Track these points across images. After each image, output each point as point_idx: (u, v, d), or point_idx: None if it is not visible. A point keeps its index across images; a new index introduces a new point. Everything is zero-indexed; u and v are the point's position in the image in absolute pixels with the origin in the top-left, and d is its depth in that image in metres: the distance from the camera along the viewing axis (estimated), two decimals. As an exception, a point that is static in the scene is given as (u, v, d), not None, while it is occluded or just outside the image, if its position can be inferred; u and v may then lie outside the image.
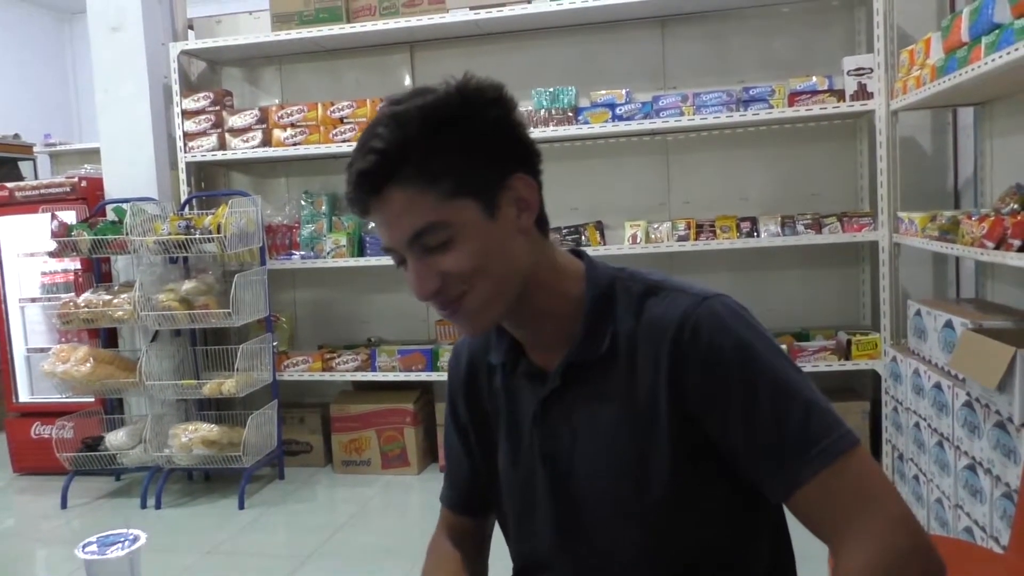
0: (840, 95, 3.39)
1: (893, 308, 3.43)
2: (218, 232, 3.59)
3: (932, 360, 2.85)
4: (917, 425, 2.94)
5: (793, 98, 3.44)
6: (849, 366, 3.47)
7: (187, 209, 4.03)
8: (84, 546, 1.03)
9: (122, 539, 1.04)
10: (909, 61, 3.07)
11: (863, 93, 3.36)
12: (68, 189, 4.14)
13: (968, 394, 2.42)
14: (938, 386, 2.69)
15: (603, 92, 3.65)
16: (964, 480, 2.49)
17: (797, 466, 0.88)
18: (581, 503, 1.02)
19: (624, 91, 3.63)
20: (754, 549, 1.02)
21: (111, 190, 4.06)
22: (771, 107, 3.46)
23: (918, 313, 3.00)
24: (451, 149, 0.91)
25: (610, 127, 3.61)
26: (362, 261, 3.98)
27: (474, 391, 1.13)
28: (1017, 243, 2.25)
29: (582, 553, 1.03)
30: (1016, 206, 2.58)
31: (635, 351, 0.97)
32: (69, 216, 3.95)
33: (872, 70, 3.35)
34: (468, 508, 1.18)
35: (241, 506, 3.63)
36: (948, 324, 2.69)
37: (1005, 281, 3.09)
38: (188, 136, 4.07)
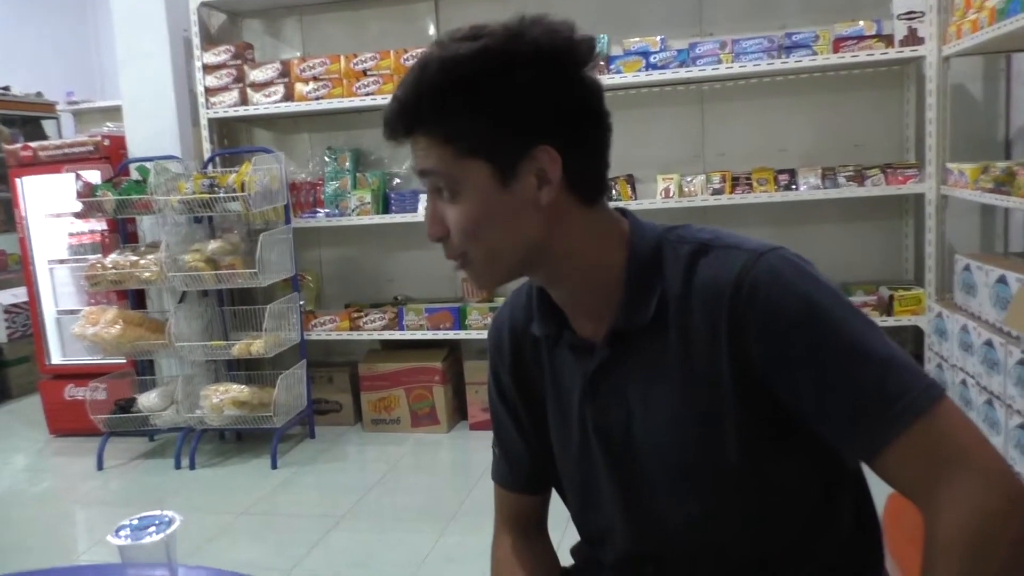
0: (888, 40, 3.23)
1: (939, 263, 3.31)
2: (242, 190, 3.53)
3: (982, 316, 2.75)
4: (964, 383, 2.85)
5: (838, 44, 3.27)
6: (891, 322, 3.36)
7: (210, 167, 3.97)
8: (118, 530, 0.99)
9: (157, 521, 1.00)
10: (965, 3, 2.91)
11: (913, 38, 3.20)
12: (91, 148, 4.08)
13: (1023, 352, 2.33)
14: (989, 343, 2.60)
15: (636, 40, 3.51)
16: (1016, 439, 2.41)
17: (877, 429, 0.82)
18: (643, 478, 0.97)
19: (659, 38, 3.48)
20: (835, 517, 0.96)
21: (134, 148, 4.00)
22: (815, 54, 3.30)
23: (967, 268, 2.88)
24: (465, 112, 0.87)
25: (643, 76, 3.48)
26: (387, 218, 3.91)
27: (520, 365, 1.07)
28: (1081, 195, 2.14)
29: (656, 525, 0.98)
30: (1077, 155, 2.45)
31: (688, 317, 0.90)
32: (93, 176, 3.91)
33: (924, 13, 3.17)
34: (528, 486, 1.14)
35: (274, 465, 3.63)
36: (1001, 279, 2.58)
37: (1059, 234, 2.96)
38: (209, 91, 3.99)
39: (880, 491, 1.02)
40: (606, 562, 1.08)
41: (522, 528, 1.14)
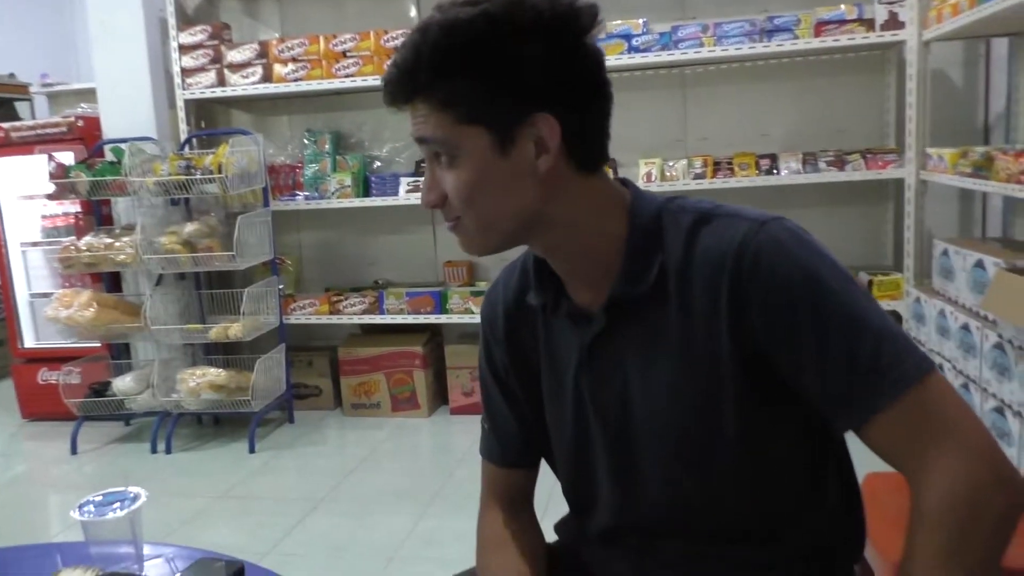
0: (870, 24, 3.22)
1: (917, 248, 3.33)
2: (219, 172, 3.48)
3: (959, 301, 2.76)
4: (940, 367, 2.86)
5: (820, 28, 3.27)
6: (870, 307, 3.37)
7: (187, 149, 3.91)
8: (81, 506, 0.96)
9: (121, 498, 0.97)
10: (945, -14, 2.91)
11: (894, 22, 3.19)
12: (65, 129, 4.01)
13: (999, 335, 2.34)
14: (966, 327, 2.61)
15: (618, 22, 3.48)
16: (991, 422, 2.42)
17: (870, 397, 0.83)
18: (638, 450, 0.97)
19: (641, 21, 3.46)
20: (820, 491, 0.97)
21: (109, 130, 3.93)
22: (796, 37, 3.29)
23: (945, 253, 2.90)
24: (465, 76, 0.86)
25: (625, 59, 3.46)
26: (367, 201, 3.87)
27: (514, 337, 1.06)
28: (1058, 179, 2.14)
29: (645, 495, 0.98)
30: (1055, 140, 2.46)
31: (688, 285, 0.90)
32: (67, 157, 3.84)
33: (905, -3, 3.17)
34: (517, 460, 1.13)
35: (252, 450, 3.60)
36: (979, 264, 2.60)
37: (1036, 219, 2.98)
38: (186, 72, 3.93)
39: (856, 470, 1.02)
40: (591, 534, 1.07)
41: (509, 503, 1.13)
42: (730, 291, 0.87)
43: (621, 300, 0.93)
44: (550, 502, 1.15)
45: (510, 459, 1.13)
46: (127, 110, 3.89)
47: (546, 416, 1.06)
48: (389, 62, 0.90)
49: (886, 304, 3.37)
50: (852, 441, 0.99)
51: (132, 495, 0.98)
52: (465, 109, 0.86)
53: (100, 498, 0.98)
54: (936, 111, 3.30)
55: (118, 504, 0.97)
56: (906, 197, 3.32)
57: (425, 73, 0.86)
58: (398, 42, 3.62)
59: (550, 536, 1.16)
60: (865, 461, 1.10)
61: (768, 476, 0.94)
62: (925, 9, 3.13)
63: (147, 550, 1.01)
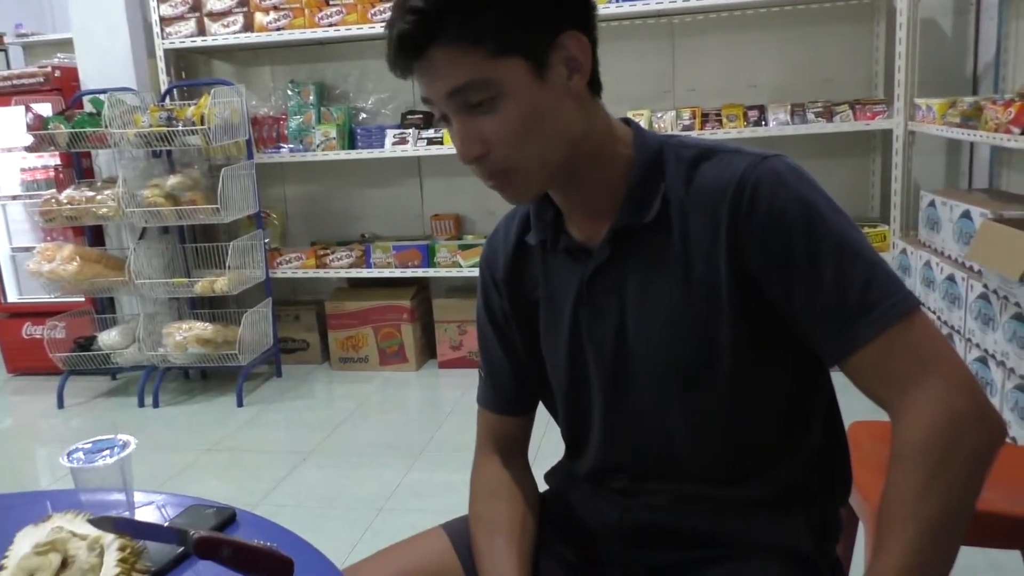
0: (860, -29, 3.18)
1: (904, 199, 3.33)
2: (201, 123, 3.42)
3: (945, 252, 2.78)
4: (925, 318, 2.89)
5: (810, -25, 3.22)
6: (856, 259, 3.38)
7: (167, 100, 3.84)
8: (70, 453, 0.96)
9: (111, 445, 0.97)
10: (937, -68, 2.86)
11: (885, -31, 3.15)
12: (41, 80, 3.93)
13: (985, 286, 2.36)
14: (951, 278, 2.63)
15: (606, -30, 3.42)
16: (975, 372, 2.45)
17: (858, 327, 0.84)
18: (631, 385, 0.98)
19: (629, -31, 3.41)
20: (807, 432, 0.99)
21: (87, 80, 3.85)
22: (786, -16, 3.25)
23: (932, 204, 2.90)
24: (495, 5, 0.84)
25: (612, 8, 3.40)
26: (353, 154, 3.82)
27: (516, 280, 1.06)
28: (1046, 128, 2.14)
29: (634, 433, 1.00)
30: (1044, 90, 2.45)
31: (689, 218, 0.91)
32: (44, 108, 3.77)
33: (896, -57, 3.13)
34: (513, 408, 1.14)
35: (240, 403, 3.61)
36: (965, 215, 2.61)
37: (1021, 170, 2.98)
38: (165, 21, 3.84)
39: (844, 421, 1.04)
40: (580, 476, 1.09)
41: (504, 451, 1.14)
42: (730, 219, 0.88)
43: (625, 230, 0.94)
44: (538, 452, 1.16)
45: (505, 407, 1.14)
46: (105, 60, 3.81)
47: (544, 355, 1.06)
48: (398, 11, 0.85)
49: (872, 256, 3.38)
50: (839, 391, 1.01)
51: (122, 442, 0.97)
52: (497, 41, 0.84)
53: (89, 446, 0.98)
54: (925, 61, 3.28)
55: (108, 451, 0.96)
56: (894, 148, 3.31)
57: (455, 8, 0.83)
58: (382, -11, 3.57)
59: (542, 485, 1.17)
60: (850, 411, 1.12)
61: (755, 415, 0.95)
62: (917, -44, 3.09)
63: (138, 497, 1.01)
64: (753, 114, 3.46)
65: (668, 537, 1.00)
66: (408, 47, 0.85)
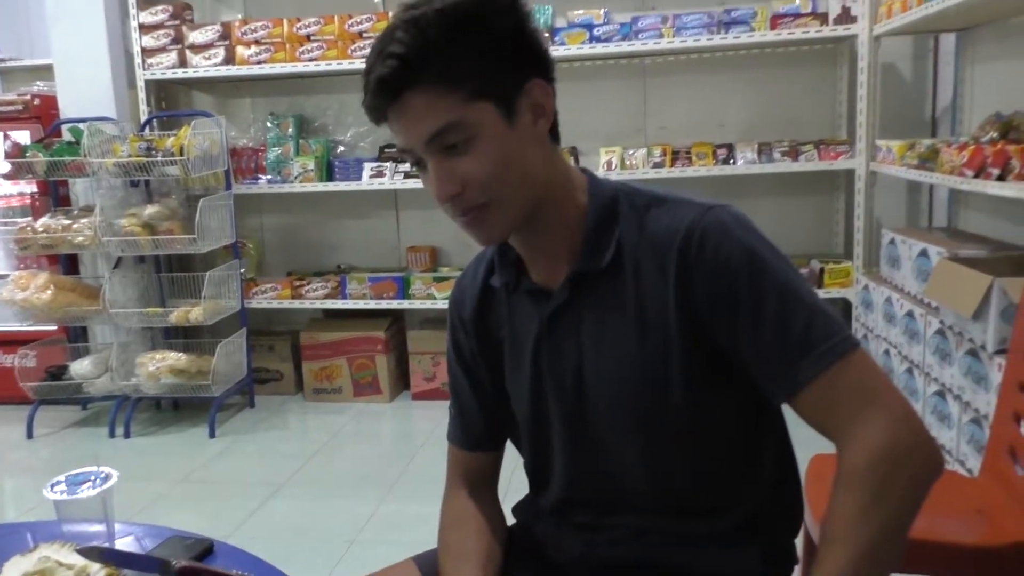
0: (823, 18, 3.31)
1: (866, 237, 3.44)
2: (180, 154, 3.46)
3: (905, 288, 2.87)
4: (887, 352, 2.97)
5: (776, 21, 3.35)
6: (821, 294, 3.48)
7: (147, 130, 3.87)
8: (53, 485, 0.99)
9: (92, 477, 1.00)
10: (896, -17, 2.99)
11: (846, 17, 3.29)
12: (20, 107, 3.95)
13: (941, 322, 2.44)
14: (910, 314, 2.72)
15: (580, 12, 3.53)
16: (932, 406, 2.53)
17: (801, 367, 0.90)
18: (591, 420, 1.02)
19: (602, 11, 3.51)
20: (760, 463, 1.03)
21: (66, 109, 3.87)
22: (753, 30, 3.37)
23: (892, 242, 3.00)
24: (470, 52, 0.89)
25: (587, 49, 3.50)
26: (331, 186, 3.87)
27: (481, 319, 1.11)
28: (996, 172, 2.24)
29: (591, 469, 1.04)
30: (996, 135, 2.56)
31: (640, 262, 0.97)
32: (23, 136, 3.78)
33: (857, -8, 3.27)
34: (481, 444, 1.18)
35: (212, 434, 3.60)
36: (923, 253, 2.70)
37: (978, 210, 3.09)
38: (146, 52, 3.88)
39: (803, 454, 1.09)
40: (545, 510, 1.12)
41: (473, 486, 1.17)
42: (678, 266, 0.94)
43: (583, 273, 0.99)
44: (508, 486, 1.20)
45: (473, 443, 1.17)
46: (85, 89, 3.83)
47: (509, 392, 1.11)
48: (376, 57, 0.89)
49: (837, 291, 3.48)
50: (795, 423, 1.06)
51: (103, 474, 1.00)
52: (473, 84, 0.89)
53: (71, 477, 1.01)
54: (886, 104, 3.41)
55: (89, 483, 0.99)
56: (856, 187, 3.42)
57: (434, 53, 0.87)
58: (363, 27, 3.65)
59: (510, 519, 1.21)
60: (810, 443, 1.17)
61: (710, 450, 1.00)
62: (876, 4, 3.22)
63: (117, 528, 1.04)
64: (722, 152, 3.56)
65: (630, 570, 1.04)
66: (387, 91, 0.89)
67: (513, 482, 1.20)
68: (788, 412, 1.06)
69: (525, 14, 0.94)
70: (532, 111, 0.94)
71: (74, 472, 1.02)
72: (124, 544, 1.04)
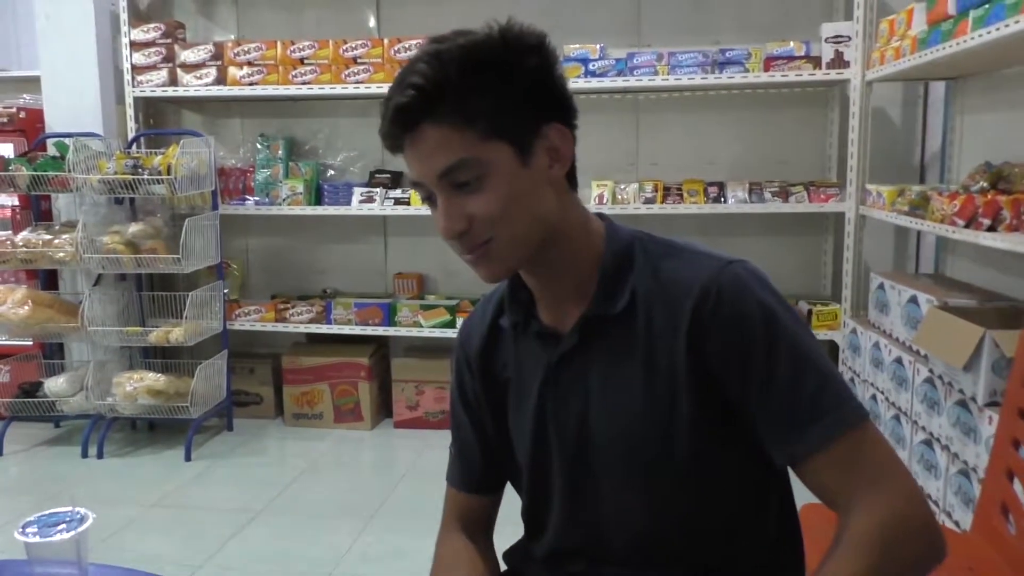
0: (816, 62, 3.34)
1: (855, 280, 3.44)
2: (168, 173, 3.42)
3: (893, 334, 2.87)
4: (874, 397, 2.97)
5: (769, 63, 3.37)
6: (808, 336, 3.47)
7: (135, 147, 3.83)
8: (24, 526, 0.94)
9: (67, 518, 0.96)
10: (889, 31, 3.03)
11: (839, 61, 3.32)
12: (5, 120, 3.90)
13: (931, 371, 2.44)
14: (899, 360, 2.71)
15: (576, 46, 3.54)
16: (920, 455, 2.52)
17: (810, 433, 0.88)
18: (591, 470, 1.00)
19: (598, 46, 3.52)
20: (762, 520, 1.01)
21: (52, 123, 3.83)
22: (747, 71, 3.39)
23: (881, 287, 3.01)
24: (490, 91, 0.90)
25: (582, 83, 3.51)
26: (319, 210, 3.84)
27: (489, 360, 1.10)
28: (987, 222, 2.25)
29: (587, 519, 1.02)
30: (986, 184, 2.57)
31: (653, 310, 0.95)
32: (6, 149, 3.73)
33: (851, 38, 3.30)
34: (480, 487, 1.16)
35: (188, 458, 3.53)
36: (912, 300, 2.70)
37: (965, 257, 3.11)
38: (136, 69, 3.85)
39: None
40: (538, 558, 1.10)
41: (469, 528, 1.15)
42: (692, 318, 0.92)
43: (595, 318, 0.98)
44: (500, 531, 1.17)
45: (471, 485, 1.15)
46: (73, 104, 3.80)
47: (511, 435, 1.09)
48: (397, 86, 0.89)
49: (824, 334, 3.48)
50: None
51: (79, 515, 0.96)
52: (487, 124, 0.89)
53: (42, 518, 0.96)
54: (876, 148, 3.43)
55: (63, 525, 0.95)
56: (846, 231, 3.44)
57: (454, 88, 0.88)
58: (358, 52, 3.65)
59: (502, 564, 1.18)
60: (801, 493, 1.15)
61: (712, 502, 0.98)
62: (869, 51, 3.26)
63: (91, 571, 0.99)
64: (713, 190, 3.56)
65: None
66: (404, 120, 0.89)
67: (503, 526, 1.17)
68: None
69: (551, 59, 0.94)
70: (548, 154, 0.94)
71: (48, 512, 0.97)
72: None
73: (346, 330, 3.87)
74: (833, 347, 3.52)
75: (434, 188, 0.92)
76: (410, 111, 0.88)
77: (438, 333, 3.77)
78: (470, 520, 1.16)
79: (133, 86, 3.86)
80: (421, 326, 3.79)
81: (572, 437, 1.01)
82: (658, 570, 1.00)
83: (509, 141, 0.90)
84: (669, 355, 0.94)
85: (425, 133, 0.89)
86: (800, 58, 3.36)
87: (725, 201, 3.54)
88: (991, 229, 2.22)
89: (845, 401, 0.89)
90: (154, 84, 3.85)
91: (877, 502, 0.85)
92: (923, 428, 2.49)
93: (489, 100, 0.89)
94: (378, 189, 3.79)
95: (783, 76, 3.37)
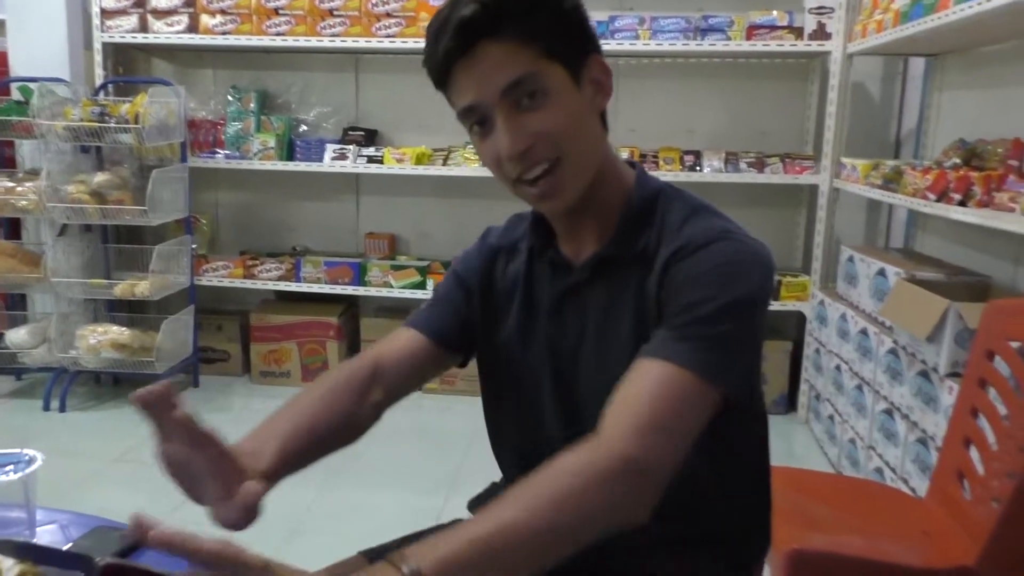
0: (799, 33, 3.32)
1: (825, 252, 3.47)
2: (136, 122, 3.33)
3: (860, 306, 2.89)
4: (838, 368, 3.00)
5: (751, 31, 3.35)
6: (777, 307, 3.51)
7: (102, 95, 3.73)
8: (-29, 467, 0.92)
9: (15, 460, 0.93)
10: (872, 4, 3.02)
11: (822, 33, 3.30)
12: (-34, 62, 3.78)
13: (895, 342, 2.47)
14: (864, 332, 2.74)
15: (557, 7, 3.48)
16: (880, 423, 2.56)
17: (654, 347, 0.87)
18: (583, 399, 1.01)
19: (579, 8, 3.47)
20: (736, 471, 1.03)
21: (16, 67, 3.71)
22: (728, 39, 3.37)
23: (851, 259, 3.03)
24: (547, 14, 0.91)
25: (561, 45, 3.46)
26: (291, 165, 3.78)
27: (491, 269, 1.11)
28: (958, 197, 2.26)
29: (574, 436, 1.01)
30: (959, 160, 2.59)
31: (658, 262, 0.95)
32: (-33, 92, 3.62)
33: (834, 10, 3.28)
34: (436, 334, 1.08)
35: (152, 412, 3.48)
36: (881, 272, 2.72)
37: (936, 233, 3.14)
38: (106, 14, 3.74)
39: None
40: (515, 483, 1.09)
41: (381, 373, 1.04)
42: (668, 258, 0.93)
43: (607, 258, 0.99)
44: (456, 479, 1.16)
45: (427, 329, 1.08)
46: (38, 48, 3.68)
47: (503, 354, 1.08)
48: (455, 6, 0.88)
49: (792, 305, 3.50)
50: (775, 436, 1.04)
51: (28, 458, 0.93)
52: (545, 45, 0.89)
53: (-8, 459, 0.94)
54: (852, 122, 3.44)
55: (11, 467, 0.92)
56: (819, 203, 3.45)
57: (515, 5, 0.88)
58: (334, 4, 3.56)
59: (465, 514, 1.17)
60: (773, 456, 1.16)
61: (689, 453, 0.97)
62: (851, 23, 3.24)
63: (40, 516, 0.97)
64: (689, 159, 3.55)
65: (598, 567, 1.02)
66: (467, 34, 0.87)
67: (461, 475, 1.16)
68: (772, 430, 1.04)
69: None
70: (593, 85, 0.95)
71: (-4, 453, 0.95)
72: (47, 533, 0.98)
73: (315, 288, 3.83)
74: (801, 318, 3.55)
75: (494, 107, 0.90)
76: (474, 25, 0.87)
77: (408, 294, 3.75)
78: (395, 364, 1.05)
79: (102, 31, 3.74)
80: (391, 287, 3.76)
81: (564, 370, 1.02)
82: None
83: (564, 64, 0.91)
84: (649, 296, 0.95)
85: (486, 50, 0.88)
86: (782, 28, 3.34)
87: (701, 170, 3.53)
88: (962, 204, 2.23)
89: (707, 352, 0.86)
90: (124, 30, 3.74)
91: (624, 443, 0.80)
92: (884, 398, 2.52)
93: (547, 22, 0.90)
94: (351, 146, 3.74)
95: (765, 46, 3.35)
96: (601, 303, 1.00)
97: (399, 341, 1.08)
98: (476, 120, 0.93)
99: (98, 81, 3.77)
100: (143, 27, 3.72)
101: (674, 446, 0.83)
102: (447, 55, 0.89)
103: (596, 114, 0.97)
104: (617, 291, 0.98)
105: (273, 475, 0.89)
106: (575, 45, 0.93)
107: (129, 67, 4.08)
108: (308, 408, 0.98)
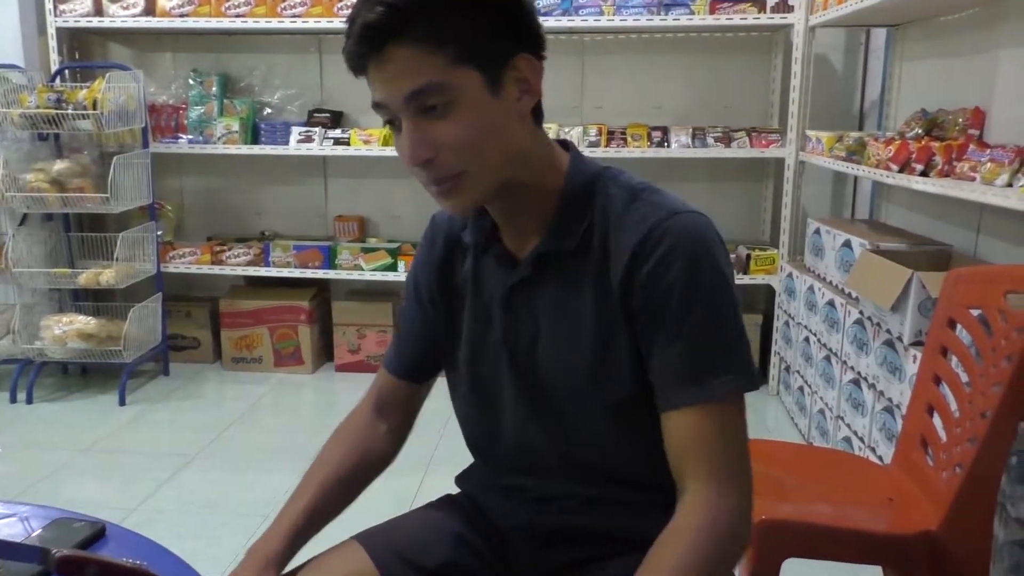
0: (762, 5, 3.32)
1: (793, 225, 3.49)
2: (94, 108, 3.27)
3: (827, 278, 2.93)
4: (807, 339, 3.04)
5: (715, 5, 3.35)
6: (747, 280, 3.54)
7: (58, 81, 3.64)
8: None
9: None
10: (833, -25, 3.02)
11: (784, 6, 3.31)
12: (-84, 49, 3.67)
13: (861, 312, 2.50)
14: (831, 303, 2.77)
15: (521, -17, 3.45)
16: (848, 393, 2.60)
17: (678, 390, 0.91)
18: (542, 392, 1.02)
19: (543, -16, 3.45)
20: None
21: (-32, 53, 3.62)
22: (692, 13, 3.36)
23: (817, 231, 3.05)
24: (462, 15, 0.86)
25: (526, 22, 3.44)
26: (256, 149, 3.73)
27: (448, 267, 1.10)
28: (920, 167, 2.28)
29: (536, 438, 1.04)
30: (921, 131, 2.61)
31: (607, 250, 0.96)
32: (-82, 80, 3.52)
33: (795, -19, 3.29)
34: (409, 373, 1.16)
35: (122, 402, 3.45)
36: (846, 244, 2.75)
37: (900, 204, 3.17)
38: (58, -2, 3.65)
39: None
40: (492, 481, 1.12)
41: (381, 408, 1.17)
42: (631, 256, 0.93)
43: (548, 253, 0.98)
44: (432, 459, 1.16)
45: (400, 370, 1.16)
46: (-10, 34, 3.59)
47: (461, 351, 1.09)
48: (365, 5, 0.85)
49: (761, 278, 3.54)
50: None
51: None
52: (458, 48, 0.85)
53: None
54: (816, 95, 3.46)
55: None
56: (785, 176, 3.47)
57: (425, 10, 0.84)
58: (293, -16, 3.50)
59: (453, 489, 1.19)
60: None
61: (655, 426, 0.97)
62: (814, -5, 3.25)
63: (0, 508, 0.96)
64: (656, 135, 3.56)
65: (576, 538, 1.05)
66: (371, 39, 0.85)
67: (438, 454, 1.16)
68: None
69: None
70: (518, 85, 0.91)
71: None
72: (6, 525, 0.96)
73: (285, 273, 3.80)
74: (770, 291, 3.59)
75: (399, 112, 0.88)
76: (379, 29, 0.84)
77: (379, 276, 3.73)
78: (387, 401, 1.17)
79: (55, 16, 3.65)
80: (362, 269, 3.74)
81: (521, 364, 1.03)
82: (607, 486, 1.02)
83: (479, 68, 0.87)
84: (611, 294, 0.95)
85: (393, 54, 0.85)
86: (745, 1, 3.34)
87: (669, 146, 3.53)
88: (923, 174, 2.26)
89: (721, 371, 0.91)
90: (78, 14, 3.65)
91: (713, 498, 0.88)
92: (852, 368, 2.56)
93: (461, 24, 0.86)
94: (317, 128, 3.69)
95: (728, 19, 3.35)
96: (554, 296, 1.00)
97: (381, 384, 1.18)
98: (387, 119, 0.92)
99: (54, 67, 3.69)
100: (98, 11, 3.64)
101: (748, 473, 0.92)
102: (352, 57, 0.88)
103: (520, 116, 0.93)
104: (572, 284, 0.98)
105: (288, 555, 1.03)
106: (495, 48, 0.89)
107: (85, 52, 3.98)
108: (317, 474, 1.11)
